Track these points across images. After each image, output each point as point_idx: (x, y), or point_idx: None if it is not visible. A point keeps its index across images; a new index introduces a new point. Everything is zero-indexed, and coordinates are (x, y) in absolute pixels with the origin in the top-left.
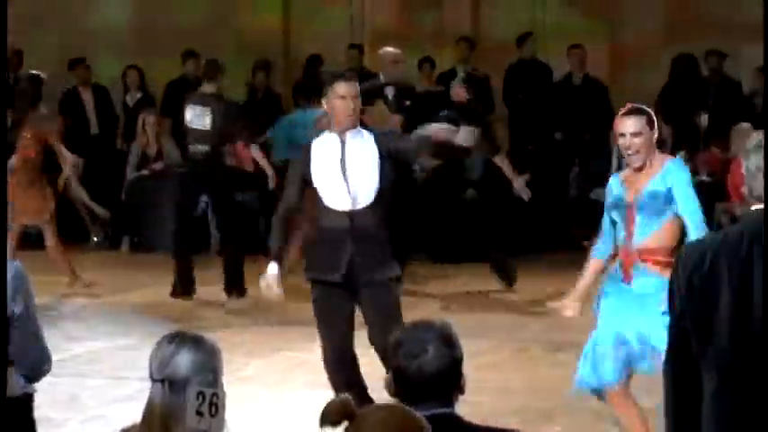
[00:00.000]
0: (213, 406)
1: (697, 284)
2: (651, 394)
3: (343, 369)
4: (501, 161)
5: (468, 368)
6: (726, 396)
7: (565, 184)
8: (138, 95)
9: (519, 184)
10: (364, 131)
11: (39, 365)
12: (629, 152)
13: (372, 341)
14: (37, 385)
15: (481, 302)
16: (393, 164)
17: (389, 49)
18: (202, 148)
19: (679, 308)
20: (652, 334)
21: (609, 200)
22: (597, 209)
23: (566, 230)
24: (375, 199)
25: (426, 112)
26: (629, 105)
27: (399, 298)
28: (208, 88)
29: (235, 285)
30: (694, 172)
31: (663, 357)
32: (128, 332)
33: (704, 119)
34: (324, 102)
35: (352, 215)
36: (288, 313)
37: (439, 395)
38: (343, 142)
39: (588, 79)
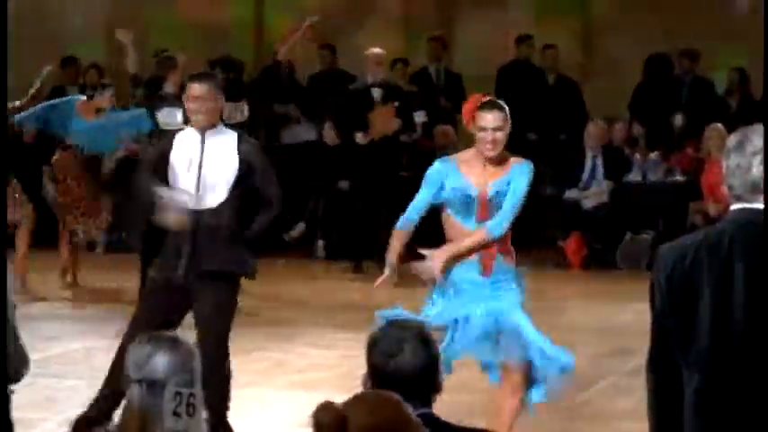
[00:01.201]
0: (190, 406)
1: (677, 283)
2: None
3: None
4: None
5: None
6: (707, 395)
7: None
8: None
9: None
10: (229, 132)
11: (18, 367)
12: (490, 146)
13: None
14: (13, 386)
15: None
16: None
17: (375, 50)
18: None
19: (659, 305)
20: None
21: (441, 183)
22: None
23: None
24: (227, 199)
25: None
26: (487, 98)
27: (234, 299)
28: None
29: None
30: (669, 172)
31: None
32: (99, 332)
33: (678, 119)
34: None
35: (199, 215)
36: (261, 314)
37: (417, 395)
38: (203, 141)
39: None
